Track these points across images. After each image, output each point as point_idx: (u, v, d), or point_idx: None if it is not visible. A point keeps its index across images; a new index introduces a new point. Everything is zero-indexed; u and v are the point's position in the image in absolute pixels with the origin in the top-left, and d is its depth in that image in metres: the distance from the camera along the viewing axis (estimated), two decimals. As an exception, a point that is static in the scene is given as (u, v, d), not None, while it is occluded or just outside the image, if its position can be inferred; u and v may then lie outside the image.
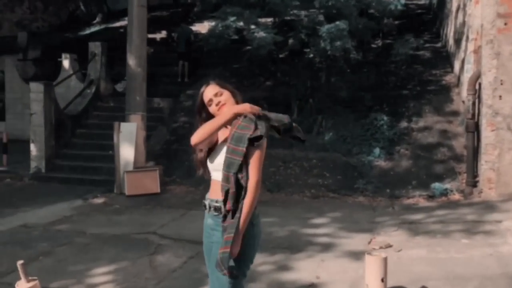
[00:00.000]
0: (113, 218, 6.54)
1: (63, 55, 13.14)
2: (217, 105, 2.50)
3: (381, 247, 5.16)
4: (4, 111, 14.57)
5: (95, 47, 11.54)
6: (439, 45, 11.98)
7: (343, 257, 4.90)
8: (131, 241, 5.51)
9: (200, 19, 15.88)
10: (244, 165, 2.34)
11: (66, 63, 13.12)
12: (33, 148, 9.41)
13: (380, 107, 9.69)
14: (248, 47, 12.71)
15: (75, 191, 8.42)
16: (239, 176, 2.33)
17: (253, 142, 2.34)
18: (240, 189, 2.33)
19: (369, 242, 5.36)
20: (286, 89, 10.10)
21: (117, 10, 20.20)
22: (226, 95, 2.52)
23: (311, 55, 9.59)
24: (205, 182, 7.68)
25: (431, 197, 7.50)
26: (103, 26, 19.57)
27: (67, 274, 4.46)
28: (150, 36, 18.28)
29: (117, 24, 18.77)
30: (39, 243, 5.37)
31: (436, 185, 7.65)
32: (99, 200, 7.53)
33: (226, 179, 2.35)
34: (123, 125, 8.04)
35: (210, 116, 2.52)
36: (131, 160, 7.93)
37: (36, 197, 7.91)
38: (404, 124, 9.22)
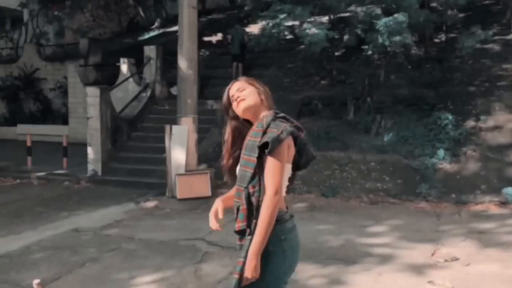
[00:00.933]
0: (162, 223, 6.44)
1: (121, 60, 13.43)
2: (235, 100, 2.24)
3: (446, 260, 4.68)
4: (67, 116, 15.11)
5: (150, 51, 11.65)
6: (510, 37, 11.04)
7: (403, 271, 4.47)
8: (178, 248, 5.35)
9: (254, 20, 15.75)
10: (259, 177, 2.05)
11: (124, 67, 13.41)
12: (90, 151, 9.60)
13: (444, 105, 9.02)
14: (302, 46, 12.39)
15: (129, 194, 8.47)
16: (250, 191, 2.05)
17: (263, 149, 2.04)
18: (251, 206, 2.06)
19: (433, 254, 4.88)
20: (342, 88, 9.68)
21: (175, 14, 20.53)
22: (248, 90, 2.25)
23: (369, 52, 9.11)
24: None
25: (503, 203, 6.82)
26: (161, 31, 19.96)
27: (111, 282, 4.36)
28: (206, 39, 18.46)
29: (175, 28, 19.02)
30: (88, 248, 5.34)
31: (509, 190, 6.96)
32: (151, 204, 7.49)
33: (238, 194, 2.10)
34: (175, 128, 7.97)
35: (236, 114, 2.27)
36: (183, 163, 7.84)
37: (91, 200, 8.02)
38: (471, 123, 8.51)
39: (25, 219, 6.85)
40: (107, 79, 15.11)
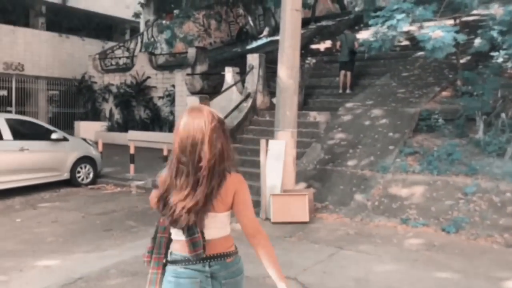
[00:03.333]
0: (251, 251, 5.71)
1: (226, 69, 13.20)
2: None
3: None
4: (173, 123, 15.26)
5: (252, 59, 11.15)
6: None
7: None
8: (264, 288, 4.57)
9: (366, 26, 14.64)
10: None
11: (228, 76, 13.15)
12: (187, 163, 9.28)
13: None
14: (420, 52, 11.00)
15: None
16: None
17: None
18: None
19: None
20: (469, 100, 8.22)
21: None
22: None
23: (500, 59, 7.61)
24: (362, 212, 6.33)
25: None
26: (269, 39, 19.60)
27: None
28: (314, 46, 17.68)
29: (281, 36, 18.43)
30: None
31: None
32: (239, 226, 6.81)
33: None
34: (271, 143, 7.26)
35: None
36: (279, 182, 7.08)
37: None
38: None
39: (114, 233, 6.59)
40: (213, 88, 15.03)
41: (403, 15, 7.06)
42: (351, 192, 7.44)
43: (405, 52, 12.71)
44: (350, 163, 8.02)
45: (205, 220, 2.10)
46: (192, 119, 2.07)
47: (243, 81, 11.88)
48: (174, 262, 2.14)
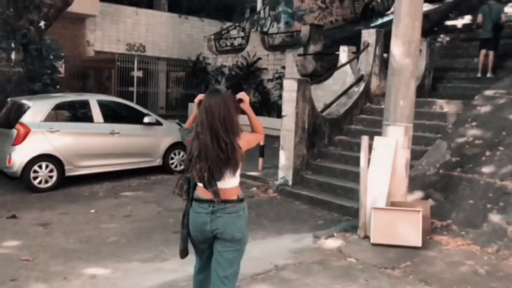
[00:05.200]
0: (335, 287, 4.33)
1: (341, 48, 11.74)
2: None
3: None
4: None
5: (368, 35, 9.44)
6: None
7: None
8: None
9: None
10: None
11: (343, 56, 11.66)
12: (281, 156, 8.09)
13: None
14: None
15: (314, 218, 6.63)
16: None
17: None
18: None
19: None
20: None
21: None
22: None
23: None
24: (498, 240, 4.42)
25: None
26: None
27: None
28: (449, 22, 15.14)
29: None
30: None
31: None
32: (333, 244, 5.43)
33: None
34: (377, 141, 5.71)
35: None
36: (384, 192, 5.53)
37: (268, 219, 6.48)
38: None
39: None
40: (327, 69, 13.56)
41: None
42: (484, 210, 5.59)
43: None
44: (486, 169, 6.10)
45: (218, 175, 2.82)
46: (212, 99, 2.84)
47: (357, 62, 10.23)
48: (195, 200, 2.95)
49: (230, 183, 2.89)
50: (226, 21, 21.33)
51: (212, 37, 18.48)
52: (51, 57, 11.81)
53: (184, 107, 18.42)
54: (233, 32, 19.27)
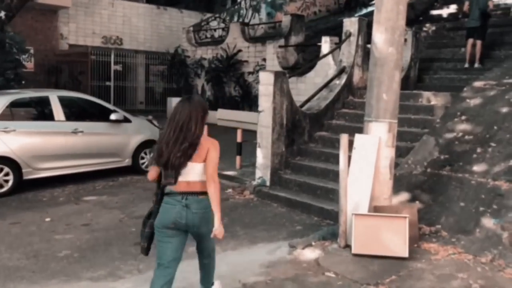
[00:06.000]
0: None
1: (323, 39, 11.21)
2: None
3: None
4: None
5: (350, 24, 8.88)
6: None
7: None
8: None
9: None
10: None
11: (325, 47, 11.14)
12: (259, 154, 7.52)
13: None
14: None
15: (292, 223, 6.07)
16: None
17: None
18: None
19: None
20: None
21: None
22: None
23: None
24: (493, 248, 3.75)
25: None
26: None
27: None
28: (435, 12, 14.65)
29: None
30: None
31: None
32: (310, 254, 4.87)
33: None
34: (358, 139, 5.15)
35: None
36: (367, 195, 4.98)
37: (241, 225, 5.90)
38: None
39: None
40: (309, 62, 13.00)
41: None
42: (476, 213, 5.08)
43: None
44: (477, 168, 5.59)
45: (186, 168, 3.12)
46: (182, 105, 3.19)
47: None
48: (167, 194, 3.20)
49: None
50: (206, 13, 20.63)
51: (191, 28, 17.78)
52: (15, 50, 11.07)
53: (163, 103, 17.76)
54: (213, 24, 18.60)
